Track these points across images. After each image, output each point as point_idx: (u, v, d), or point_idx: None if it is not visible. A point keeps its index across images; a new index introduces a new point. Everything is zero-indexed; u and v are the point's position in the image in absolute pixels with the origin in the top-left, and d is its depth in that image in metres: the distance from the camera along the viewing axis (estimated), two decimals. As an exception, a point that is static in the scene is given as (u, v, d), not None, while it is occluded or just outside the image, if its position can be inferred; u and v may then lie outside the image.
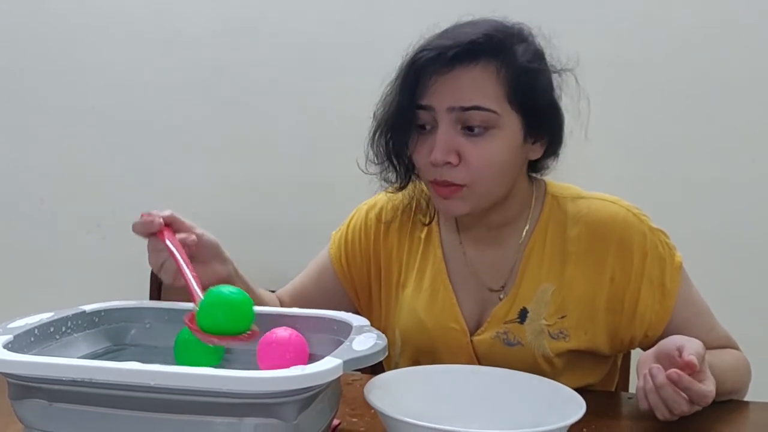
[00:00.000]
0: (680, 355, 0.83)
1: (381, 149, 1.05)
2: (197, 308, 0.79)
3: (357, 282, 1.15)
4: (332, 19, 1.71)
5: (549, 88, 1.00)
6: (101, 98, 1.84)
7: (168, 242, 0.87)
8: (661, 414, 0.85)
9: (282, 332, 0.81)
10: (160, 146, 1.82)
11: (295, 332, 0.81)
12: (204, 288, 0.81)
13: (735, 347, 1.06)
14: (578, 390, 0.81)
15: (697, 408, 0.85)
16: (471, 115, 0.95)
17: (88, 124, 1.85)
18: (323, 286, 1.17)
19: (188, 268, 0.85)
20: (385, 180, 1.08)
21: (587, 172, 1.29)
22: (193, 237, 0.91)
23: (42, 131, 1.87)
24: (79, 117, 1.85)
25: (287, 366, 0.75)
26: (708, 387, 0.84)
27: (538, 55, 1.00)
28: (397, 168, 1.06)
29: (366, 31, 1.69)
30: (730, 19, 1.55)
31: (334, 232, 1.21)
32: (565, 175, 1.14)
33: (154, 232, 0.90)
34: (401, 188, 1.09)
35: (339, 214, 1.25)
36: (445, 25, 1.03)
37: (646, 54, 1.58)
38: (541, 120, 0.99)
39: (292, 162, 1.76)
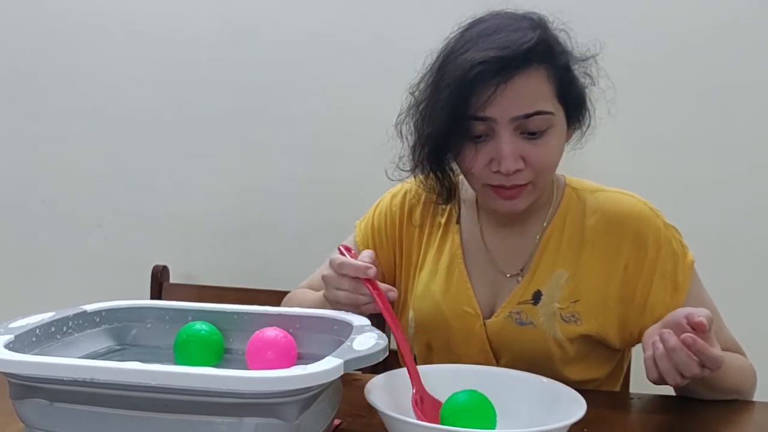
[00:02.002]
0: (688, 322, 0.83)
1: (424, 162, 1.05)
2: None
3: (383, 266, 1.17)
4: (334, 19, 1.71)
5: (576, 75, 1.02)
6: (102, 98, 1.84)
7: (375, 294, 0.90)
8: (673, 379, 0.85)
9: (269, 332, 0.81)
10: (161, 146, 1.82)
11: (283, 333, 0.81)
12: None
13: (741, 353, 1.06)
14: (582, 386, 0.81)
15: (707, 372, 0.84)
16: (533, 121, 0.97)
17: (89, 124, 1.85)
18: None
19: (394, 322, 0.87)
20: (422, 171, 1.08)
21: (588, 171, 1.29)
22: (394, 292, 0.92)
23: (42, 131, 1.87)
24: (80, 117, 1.85)
25: (271, 366, 0.76)
26: (719, 352, 0.84)
27: (564, 45, 1.02)
28: (442, 180, 1.07)
29: (367, 31, 1.69)
30: (731, 20, 1.55)
31: (357, 222, 1.22)
32: (576, 170, 1.14)
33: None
34: (447, 201, 1.11)
35: (341, 213, 1.26)
36: (449, 22, 1.03)
37: (646, 54, 1.58)
38: (578, 107, 1.03)
39: (293, 161, 1.76)
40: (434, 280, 1.10)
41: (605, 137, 1.55)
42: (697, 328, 0.83)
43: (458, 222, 1.14)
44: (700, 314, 0.84)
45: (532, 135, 0.97)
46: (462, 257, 1.10)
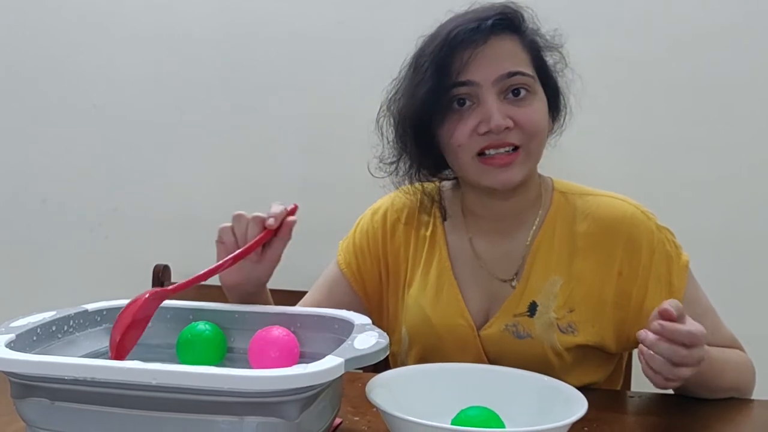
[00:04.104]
0: (658, 315, 0.83)
1: (407, 141, 1.05)
2: None
3: (368, 285, 1.15)
4: (334, 18, 1.71)
5: (549, 60, 1.05)
6: (102, 97, 1.84)
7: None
8: (670, 372, 0.83)
9: (273, 331, 0.81)
10: (162, 145, 1.82)
11: (286, 332, 0.82)
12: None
13: (740, 348, 1.06)
14: (582, 388, 0.81)
15: (698, 351, 0.83)
16: (515, 80, 0.99)
17: (90, 123, 1.85)
18: (336, 297, 1.15)
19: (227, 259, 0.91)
20: (406, 174, 1.09)
21: (591, 169, 1.29)
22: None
23: (43, 130, 1.87)
24: (81, 116, 1.85)
25: (274, 365, 0.76)
26: (694, 327, 0.83)
27: (539, 30, 1.05)
28: (425, 157, 1.06)
29: (368, 31, 1.69)
30: (730, 18, 1.55)
31: (341, 241, 1.20)
32: (570, 171, 1.14)
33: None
34: (434, 175, 1.10)
35: (342, 212, 1.25)
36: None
37: (648, 52, 1.58)
38: (553, 90, 1.05)
39: (294, 161, 1.76)
40: (424, 295, 1.08)
41: (608, 134, 1.57)
42: (664, 316, 0.82)
43: (443, 221, 1.12)
44: (664, 305, 0.83)
45: (516, 97, 0.99)
46: (451, 268, 1.08)
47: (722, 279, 1.31)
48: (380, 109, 1.08)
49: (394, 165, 1.08)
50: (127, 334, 0.78)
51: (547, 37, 1.05)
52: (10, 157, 1.89)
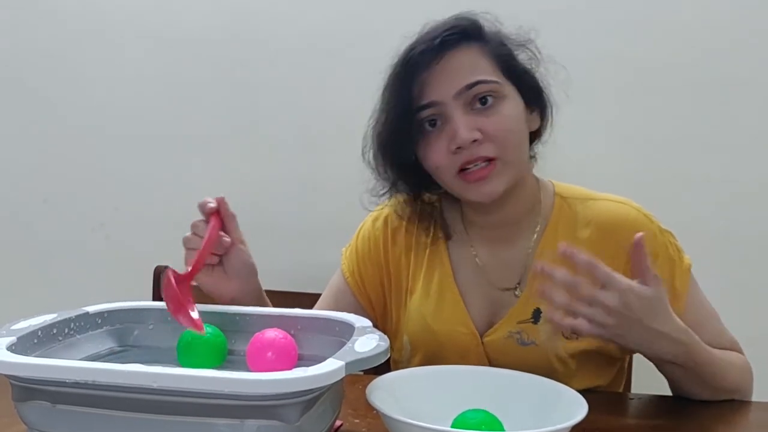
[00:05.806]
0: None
1: (388, 166, 1.06)
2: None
3: (371, 293, 1.15)
4: (336, 17, 1.71)
5: (519, 58, 1.04)
6: (103, 97, 1.84)
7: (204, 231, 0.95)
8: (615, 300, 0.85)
9: (269, 333, 0.81)
10: (163, 145, 1.82)
11: (283, 334, 0.82)
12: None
13: (740, 353, 1.06)
14: (584, 391, 0.81)
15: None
16: (477, 90, 0.98)
17: (91, 124, 1.85)
18: (342, 307, 1.13)
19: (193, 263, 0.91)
20: (397, 191, 1.09)
21: (590, 168, 1.29)
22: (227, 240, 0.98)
23: (44, 129, 1.87)
24: (82, 115, 1.85)
25: (272, 367, 0.76)
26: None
27: (500, 32, 1.04)
28: (410, 178, 1.07)
29: (370, 29, 1.68)
30: (729, 16, 1.55)
31: (344, 249, 1.21)
32: (569, 171, 1.14)
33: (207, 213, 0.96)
34: (416, 198, 1.11)
35: (343, 213, 1.25)
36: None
37: (648, 51, 1.58)
38: (532, 87, 1.04)
39: (295, 161, 1.76)
40: (425, 303, 1.08)
41: (610, 134, 1.57)
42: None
43: (446, 240, 1.11)
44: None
45: (483, 106, 0.98)
46: (453, 276, 1.08)
47: (722, 279, 1.31)
48: (364, 141, 1.08)
49: (387, 195, 1.09)
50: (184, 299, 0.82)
51: (513, 37, 1.04)
52: (11, 157, 1.89)
